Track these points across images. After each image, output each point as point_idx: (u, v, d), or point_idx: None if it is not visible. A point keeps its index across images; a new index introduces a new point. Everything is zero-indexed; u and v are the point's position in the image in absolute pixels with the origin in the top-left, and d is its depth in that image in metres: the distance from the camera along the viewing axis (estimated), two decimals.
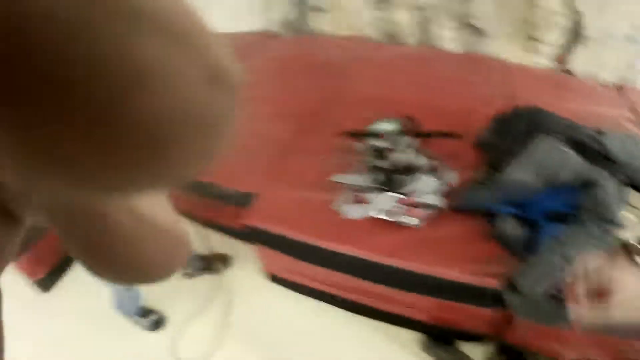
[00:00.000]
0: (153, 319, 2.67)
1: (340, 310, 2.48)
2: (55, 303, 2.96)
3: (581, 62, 3.74)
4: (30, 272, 2.87)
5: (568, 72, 3.76)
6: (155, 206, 0.49)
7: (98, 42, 0.23)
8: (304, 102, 3.12)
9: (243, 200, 2.38)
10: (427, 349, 2.21)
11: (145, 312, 2.69)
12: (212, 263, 2.81)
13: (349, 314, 2.46)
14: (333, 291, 2.37)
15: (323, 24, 4.60)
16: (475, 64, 3.70)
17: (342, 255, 2.02)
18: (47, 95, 0.23)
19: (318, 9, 4.52)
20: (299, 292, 2.57)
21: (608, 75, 3.67)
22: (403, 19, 4.18)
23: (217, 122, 0.30)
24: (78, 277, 3.06)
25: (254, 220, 2.23)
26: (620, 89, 3.44)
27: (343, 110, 2.97)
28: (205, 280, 2.84)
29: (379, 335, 2.37)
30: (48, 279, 2.99)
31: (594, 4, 3.46)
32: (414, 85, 3.32)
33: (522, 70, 3.60)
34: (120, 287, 2.49)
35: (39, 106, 0.23)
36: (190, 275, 2.86)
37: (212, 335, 2.54)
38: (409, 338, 2.31)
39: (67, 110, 0.23)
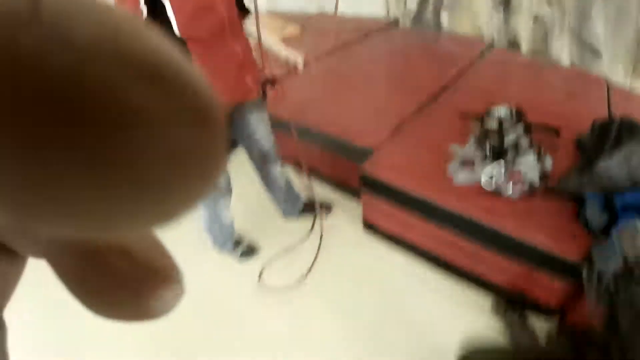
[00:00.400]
0: (244, 248, 2.92)
1: (424, 266, 2.79)
2: None
3: None
4: None
5: None
6: (145, 243, 0.51)
7: (89, 86, 0.25)
8: (425, 87, 3.49)
9: (360, 155, 2.77)
10: (497, 311, 2.47)
11: (237, 242, 2.92)
12: (314, 208, 3.02)
13: (431, 272, 2.75)
14: (425, 244, 2.71)
15: (445, 19, 4.93)
16: (582, 80, 3.99)
17: (445, 210, 2.39)
18: (43, 137, 0.25)
19: (442, 5, 4.85)
20: (392, 242, 2.90)
21: None
22: (522, 26, 4.46)
23: (203, 161, 0.31)
24: None
25: (372, 169, 2.62)
26: None
27: (461, 97, 3.34)
28: (302, 223, 3.12)
29: (456, 295, 2.63)
30: None
31: None
32: (524, 87, 3.64)
33: (626, 94, 3.86)
34: (210, 220, 2.71)
35: (36, 148, 0.25)
36: (295, 215, 3.14)
37: (298, 271, 2.82)
38: (483, 302, 2.56)
39: (59, 152, 0.25)
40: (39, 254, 0.47)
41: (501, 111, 2.75)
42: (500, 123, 2.65)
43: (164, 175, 0.29)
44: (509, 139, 2.51)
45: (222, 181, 2.50)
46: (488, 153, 2.48)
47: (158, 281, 0.52)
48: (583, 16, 4.04)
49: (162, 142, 0.28)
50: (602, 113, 3.24)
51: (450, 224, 2.43)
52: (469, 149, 2.61)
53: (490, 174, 2.35)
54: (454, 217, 2.37)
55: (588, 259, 2.02)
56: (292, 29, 5.07)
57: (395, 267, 2.81)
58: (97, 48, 0.26)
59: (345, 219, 3.17)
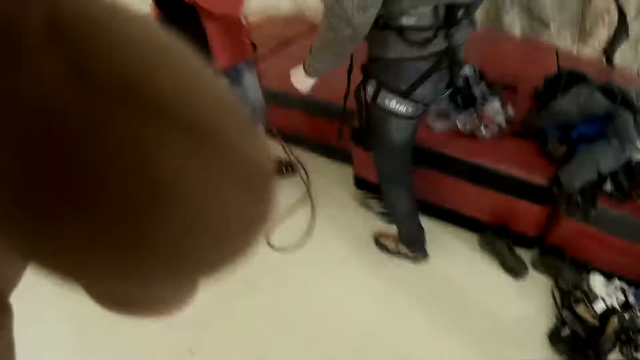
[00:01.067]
0: None
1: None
2: None
3: (624, 56, 4.50)
4: None
5: (611, 63, 4.53)
6: None
7: (119, 155, 0.21)
8: None
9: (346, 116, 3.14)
10: (485, 245, 2.90)
11: None
12: (282, 169, 3.40)
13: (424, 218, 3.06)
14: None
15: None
16: (533, 47, 4.53)
17: (430, 151, 2.79)
18: (74, 218, 0.21)
19: None
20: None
21: None
22: None
23: (252, 227, 0.29)
24: None
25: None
26: None
27: None
28: (296, 186, 3.41)
29: (446, 234, 3.06)
30: None
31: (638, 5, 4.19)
32: (482, 55, 4.09)
33: (572, 57, 4.37)
34: None
35: (66, 225, 0.22)
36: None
37: (302, 230, 3.10)
38: (471, 239, 3.00)
39: (93, 230, 0.22)
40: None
41: (466, 69, 3.16)
42: (467, 79, 3.07)
43: (204, 245, 0.26)
44: (476, 91, 2.93)
45: None
46: (460, 103, 2.89)
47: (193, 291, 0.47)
48: None
49: (209, 214, 0.24)
50: (551, 71, 3.70)
51: (435, 165, 2.83)
52: (442, 104, 3.02)
53: (464, 120, 2.77)
54: (438, 157, 2.78)
55: (556, 181, 2.47)
56: None
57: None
58: (124, 92, 0.21)
59: (334, 180, 3.52)
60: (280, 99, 3.23)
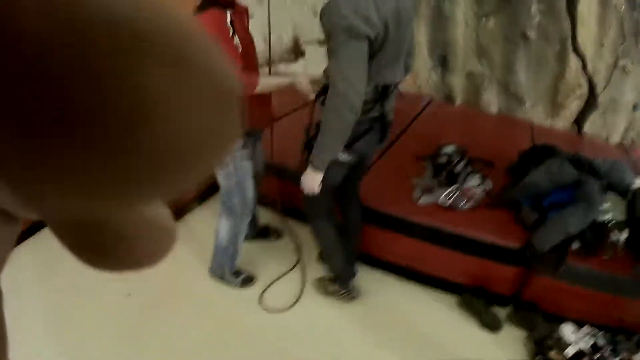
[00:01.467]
0: (244, 278, 3.22)
1: (398, 278, 3.37)
2: None
3: (593, 125, 4.96)
4: None
5: (582, 133, 4.99)
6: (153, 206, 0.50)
7: (102, 79, 0.23)
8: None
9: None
10: (463, 304, 3.11)
11: (237, 273, 3.21)
12: (267, 233, 3.65)
13: (402, 282, 3.34)
14: (397, 258, 3.33)
15: None
16: (509, 123, 5.00)
17: (414, 223, 3.06)
18: (61, 135, 0.23)
19: None
20: (366, 260, 3.42)
21: (616, 136, 4.93)
22: (457, 82, 5.42)
23: (225, 138, 0.31)
24: None
25: None
26: (622, 146, 4.80)
27: (412, 142, 4.13)
28: (284, 250, 3.58)
29: (425, 297, 3.25)
30: None
31: (608, 78, 4.68)
32: (462, 132, 4.50)
33: (546, 129, 4.89)
34: (222, 253, 3.06)
35: (57, 140, 0.23)
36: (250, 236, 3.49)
37: (292, 292, 3.21)
38: (450, 300, 3.21)
39: (81, 145, 0.24)
40: (38, 216, 0.47)
41: (449, 148, 3.51)
42: (449, 157, 3.41)
43: (182, 158, 0.28)
44: (458, 168, 3.27)
45: (249, 201, 2.91)
46: (444, 180, 3.23)
47: (172, 240, 0.52)
48: (509, 70, 5.00)
49: (186, 126, 0.26)
50: (526, 145, 4.09)
51: (420, 235, 3.10)
52: (427, 179, 3.35)
53: (448, 195, 3.08)
54: (422, 228, 3.05)
55: (529, 244, 2.77)
56: None
57: (373, 281, 3.35)
58: (109, 24, 0.23)
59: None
60: (274, 169, 3.52)
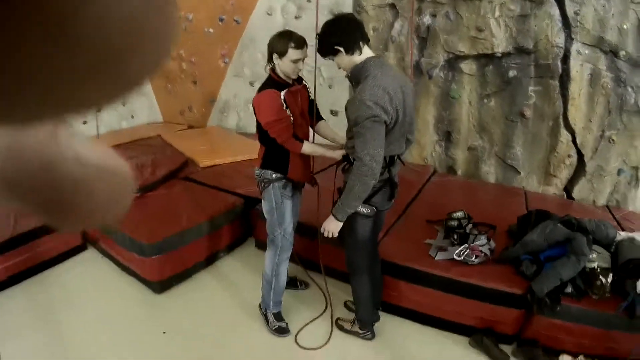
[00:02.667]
0: (281, 326, 3.62)
1: (409, 321, 3.85)
2: (165, 303, 3.91)
3: (581, 190, 5.64)
4: (151, 274, 4.02)
5: (572, 198, 5.69)
6: (96, 148, 0.44)
7: None
8: (398, 204, 4.84)
9: None
10: (474, 343, 3.60)
11: (278, 316, 3.65)
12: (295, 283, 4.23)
13: (418, 325, 3.81)
14: (419, 307, 3.83)
15: None
16: (506, 192, 5.67)
17: (434, 275, 3.65)
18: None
19: None
20: (391, 310, 3.96)
21: (602, 199, 5.61)
22: (459, 155, 6.14)
23: (160, 31, 0.28)
24: (190, 287, 4.16)
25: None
26: (606, 208, 5.47)
27: (421, 209, 4.81)
28: (310, 298, 4.07)
29: (439, 337, 3.74)
30: (165, 282, 4.06)
31: (595, 148, 5.41)
32: (464, 200, 5.17)
33: (538, 196, 5.60)
34: (267, 285, 3.56)
35: None
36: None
37: (325, 332, 3.67)
38: (461, 340, 3.71)
39: (15, 26, 0.21)
40: None
41: (459, 214, 4.14)
42: (460, 221, 4.04)
43: (121, 45, 0.25)
44: (467, 230, 3.91)
45: (288, 235, 3.49)
46: (455, 240, 3.84)
47: (128, 186, 0.46)
48: (506, 145, 5.75)
49: (124, 10, 0.23)
50: (521, 210, 4.78)
51: (438, 286, 3.66)
52: (440, 240, 3.97)
53: (460, 252, 3.68)
54: (439, 279, 3.64)
55: (530, 290, 3.36)
56: None
57: (395, 325, 3.81)
58: None
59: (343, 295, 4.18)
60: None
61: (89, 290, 4.07)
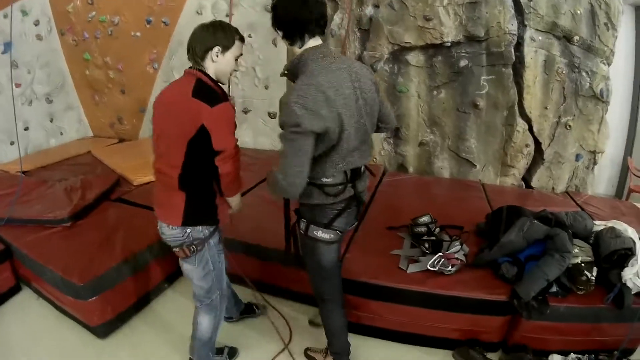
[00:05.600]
0: (228, 352, 3.41)
1: (384, 341, 3.67)
2: (112, 349, 3.57)
3: (540, 179, 5.64)
4: (91, 318, 3.62)
5: (531, 187, 5.67)
6: None
7: None
8: None
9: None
10: (460, 356, 3.43)
11: (219, 350, 3.35)
12: (252, 309, 3.89)
13: (395, 344, 3.63)
14: (394, 325, 3.62)
15: None
16: (463, 186, 5.55)
17: (409, 291, 3.40)
18: None
19: None
20: (359, 330, 3.69)
21: (561, 186, 5.65)
22: (410, 152, 6.01)
23: None
24: (136, 327, 3.83)
25: (344, 274, 3.52)
26: (567, 194, 5.49)
27: (379, 213, 4.61)
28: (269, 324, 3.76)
29: (418, 354, 3.54)
30: (108, 325, 3.69)
31: (552, 135, 5.43)
32: (424, 198, 4.99)
33: (497, 188, 5.55)
34: (204, 346, 3.10)
35: None
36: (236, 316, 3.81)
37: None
38: (442, 354, 3.55)
39: None
40: None
41: (425, 218, 3.95)
42: (428, 227, 3.84)
43: None
44: (442, 237, 3.74)
45: (225, 292, 3.06)
46: (427, 248, 3.65)
47: None
48: (459, 138, 5.64)
49: None
50: (484, 206, 4.74)
51: (412, 301, 3.44)
52: (408, 250, 3.77)
53: (434, 262, 3.48)
54: (415, 294, 3.40)
55: (514, 294, 3.20)
56: None
57: (368, 347, 3.61)
58: None
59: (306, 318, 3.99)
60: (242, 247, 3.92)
61: (26, 338, 3.67)
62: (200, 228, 2.67)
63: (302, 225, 2.77)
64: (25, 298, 4.20)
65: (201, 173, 2.57)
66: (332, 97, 2.27)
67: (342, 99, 2.32)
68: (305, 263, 2.96)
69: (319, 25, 2.42)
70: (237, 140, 2.59)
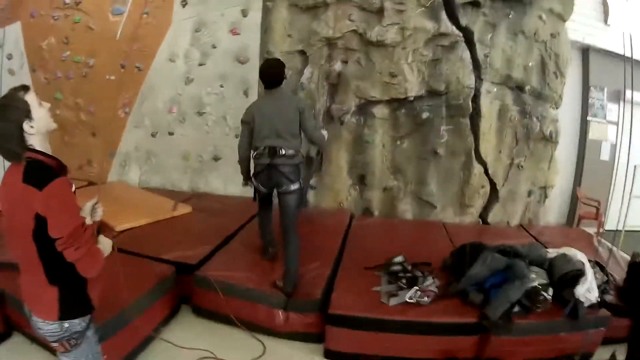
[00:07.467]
0: None
1: None
2: None
3: (496, 215, 6.31)
4: None
5: (487, 223, 6.35)
6: None
7: None
8: (329, 250, 5.27)
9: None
10: None
11: None
12: None
13: None
14: (383, 351, 4.06)
15: (311, 198, 6.84)
16: (426, 226, 6.16)
17: (394, 321, 3.92)
18: None
19: (310, 187, 6.73)
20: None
21: (515, 220, 6.34)
22: (375, 197, 6.55)
23: None
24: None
25: (337, 310, 4.07)
26: (521, 227, 6.19)
27: (355, 255, 5.17)
28: None
29: None
30: None
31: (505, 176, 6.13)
32: (393, 238, 5.59)
33: (456, 226, 6.17)
34: None
35: None
36: None
37: None
38: None
39: None
40: None
41: (399, 258, 4.58)
42: (402, 265, 4.46)
43: None
44: (416, 273, 4.38)
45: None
46: (404, 284, 4.24)
47: None
48: (421, 182, 6.26)
49: None
50: (446, 243, 5.35)
51: (397, 329, 3.95)
52: (386, 286, 4.35)
53: (411, 295, 4.06)
54: (399, 323, 3.93)
55: (484, 316, 3.82)
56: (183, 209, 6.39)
57: None
58: None
59: (301, 355, 4.28)
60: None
61: None
62: (76, 321, 2.36)
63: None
64: (18, 343, 4.01)
65: (67, 263, 2.21)
66: (260, 108, 4.31)
67: (262, 111, 4.28)
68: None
69: (266, 82, 4.30)
70: (82, 218, 2.34)
